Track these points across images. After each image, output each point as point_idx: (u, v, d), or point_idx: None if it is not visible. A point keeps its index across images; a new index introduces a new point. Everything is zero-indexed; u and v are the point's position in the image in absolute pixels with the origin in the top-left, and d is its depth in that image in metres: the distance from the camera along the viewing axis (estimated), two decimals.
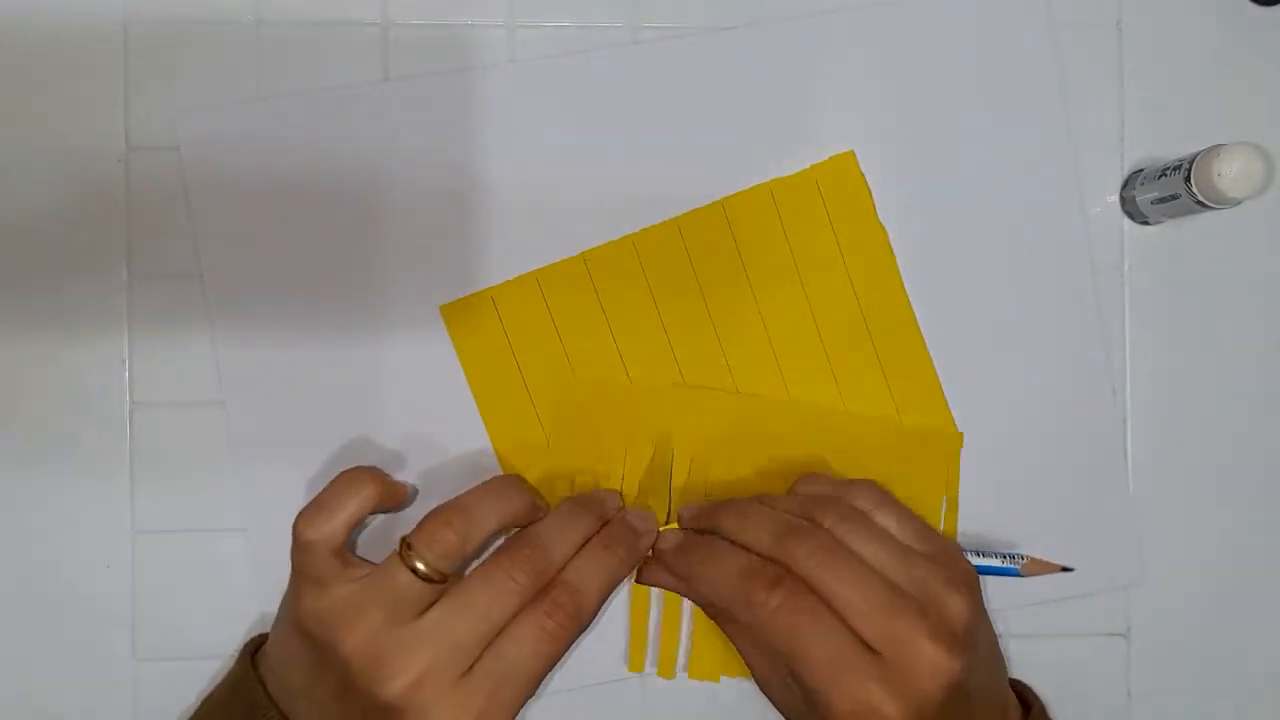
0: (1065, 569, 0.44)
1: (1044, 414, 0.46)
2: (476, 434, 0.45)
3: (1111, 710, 0.47)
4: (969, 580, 0.39)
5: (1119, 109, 0.47)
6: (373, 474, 0.40)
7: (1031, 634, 0.46)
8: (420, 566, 0.38)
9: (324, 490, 0.40)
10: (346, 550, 0.40)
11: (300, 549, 0.39)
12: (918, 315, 0.46)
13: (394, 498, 0.42)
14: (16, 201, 0.44)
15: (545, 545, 0.39)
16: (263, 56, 0.44)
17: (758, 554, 0.39)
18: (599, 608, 0.40)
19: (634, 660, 0.45)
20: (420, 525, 0.39)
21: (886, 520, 0.40)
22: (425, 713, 0.36)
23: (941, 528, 0.46)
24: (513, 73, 0.45)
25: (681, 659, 0.45)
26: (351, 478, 0.40)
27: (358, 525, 0.40)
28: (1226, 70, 0.47)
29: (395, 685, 0.36)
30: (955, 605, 0.38)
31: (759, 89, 0.45)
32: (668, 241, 0.45)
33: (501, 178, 0.45)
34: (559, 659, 0.38)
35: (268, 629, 0.44)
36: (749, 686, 0.45)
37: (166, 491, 0.44)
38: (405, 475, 0.44)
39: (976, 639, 0.38)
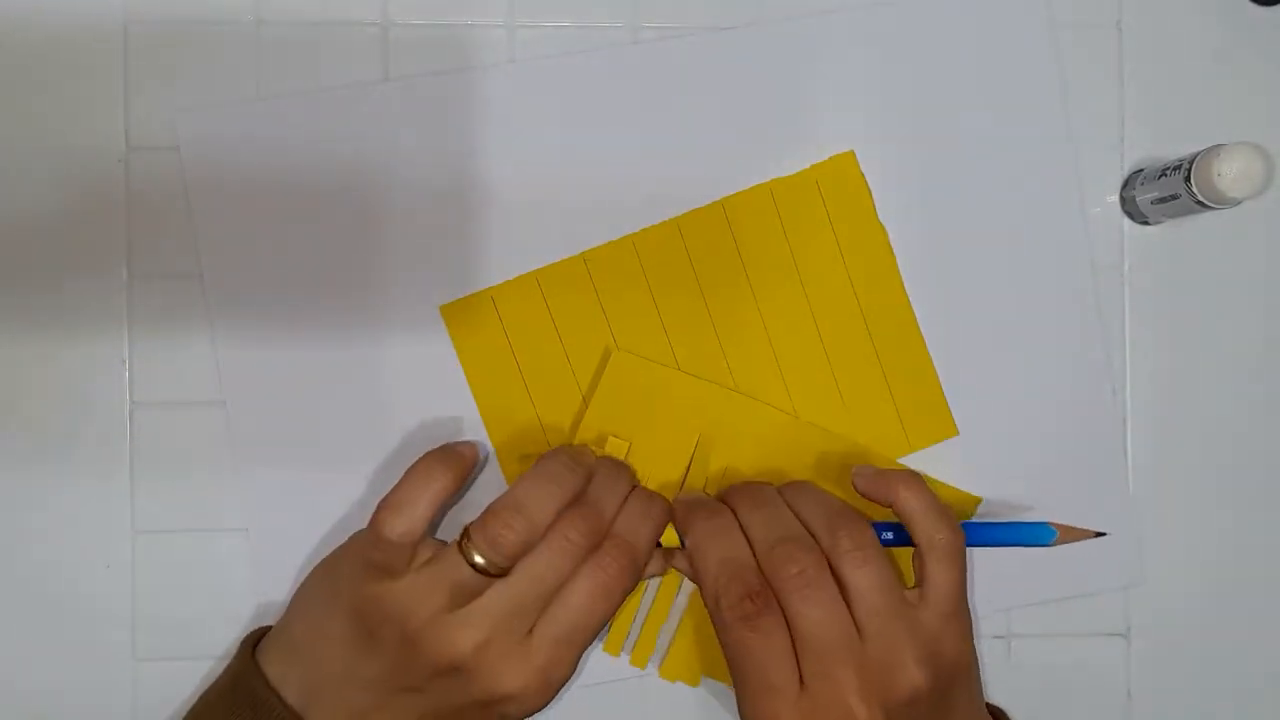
0: (1099, 534, 0.43)
1: (1044, 414, 0.46)
2: (477, 434, 0.45)
3: (1111, 710, 0.47)
4: (943, 662, 0.39)
5: (1119, 109, 0.47)
6: (446, 460, 0.41)
7: (1032, 634, 0.46)
8: (479, 561, 0.39)
9: (401, 483, 0.40)
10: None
11: (378, 544, 0.39)
12: (917, 315, 0.46)
13: (468, 475, 0.42)
14: (16, 201, 0.44)
15: (596, 503, 0.40)
16: (263, 56, 0.44)
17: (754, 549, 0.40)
18: (650, 554, 0.41)
19: (611, 641, 0.44)
20: (482, 521, 0.39)
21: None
22: (494, 670, 0.38)
23: None
24: (513, 73, 0.45)
25: (659, 655, 0.45)
26: (427, 468, 0.41)
27: (438, 516, 0.41)
28: (1226, 70, 0.47)
29: (463, 649, 0.38)
30: (906, 681, 0.38)
31: (758, 89, 0.45)
32: (668, 241, 0.45)
33: (501, 178, 0.45)
34: (616, 608, 0.40)
35: (268, 627, 0.44)
36: None
37: (166, 491, 0.44)
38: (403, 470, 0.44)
39: (918, 713, 0.39)
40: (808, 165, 0.46)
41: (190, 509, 0.44)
